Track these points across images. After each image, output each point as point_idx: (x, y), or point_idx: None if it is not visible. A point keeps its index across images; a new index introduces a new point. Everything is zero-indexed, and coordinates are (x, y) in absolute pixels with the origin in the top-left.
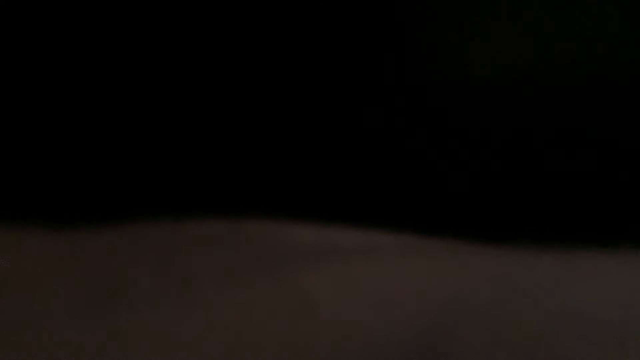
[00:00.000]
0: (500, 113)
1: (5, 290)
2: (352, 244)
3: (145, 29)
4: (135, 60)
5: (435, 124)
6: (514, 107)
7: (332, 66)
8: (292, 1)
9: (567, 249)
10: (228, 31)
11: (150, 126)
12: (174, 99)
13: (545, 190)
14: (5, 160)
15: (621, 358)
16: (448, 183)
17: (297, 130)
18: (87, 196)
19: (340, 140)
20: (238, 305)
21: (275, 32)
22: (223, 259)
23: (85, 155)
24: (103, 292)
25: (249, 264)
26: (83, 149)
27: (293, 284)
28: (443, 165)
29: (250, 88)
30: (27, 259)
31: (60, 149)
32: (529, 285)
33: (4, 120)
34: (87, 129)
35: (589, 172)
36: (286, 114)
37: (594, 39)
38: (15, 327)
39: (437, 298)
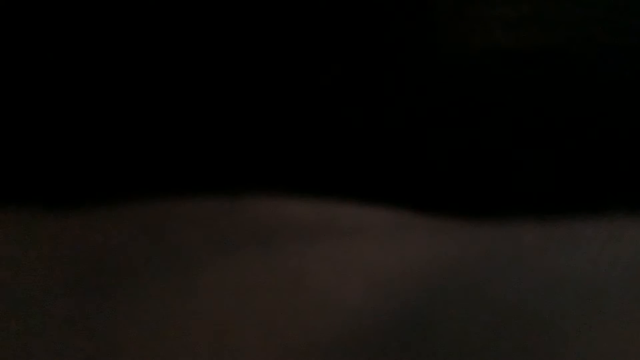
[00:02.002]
0: (498, 86)
1: None
2: (346, 221)
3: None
4: (129, 40)
5: (434, 97)
6: (509, 80)
7: (336, 38)
8: None
9: (560, 222)
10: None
11: (145, 103)
12: (168, 77)
13: (537, 165)
14: None
15: (610, 326)
16: (444, 159)
17: (292, 106)
18: (79, 175)
19: (336, 116)
20: (231, 281)
21: None
22: (218, 236)
23: (77, 134)
24: (97, 271)
25: (244, 240)
26: (75, 128)
27: (286, 259)
28: (440, 140)
29: (245, 63)
30: (20, 239)
31: (52, 128)
32: (523, 260)
33: None
34: (79, 106)
35: (582, 144)
36: (281, 89)
37: (614, 8)
38: (6, 307)
39: (431, 275)
